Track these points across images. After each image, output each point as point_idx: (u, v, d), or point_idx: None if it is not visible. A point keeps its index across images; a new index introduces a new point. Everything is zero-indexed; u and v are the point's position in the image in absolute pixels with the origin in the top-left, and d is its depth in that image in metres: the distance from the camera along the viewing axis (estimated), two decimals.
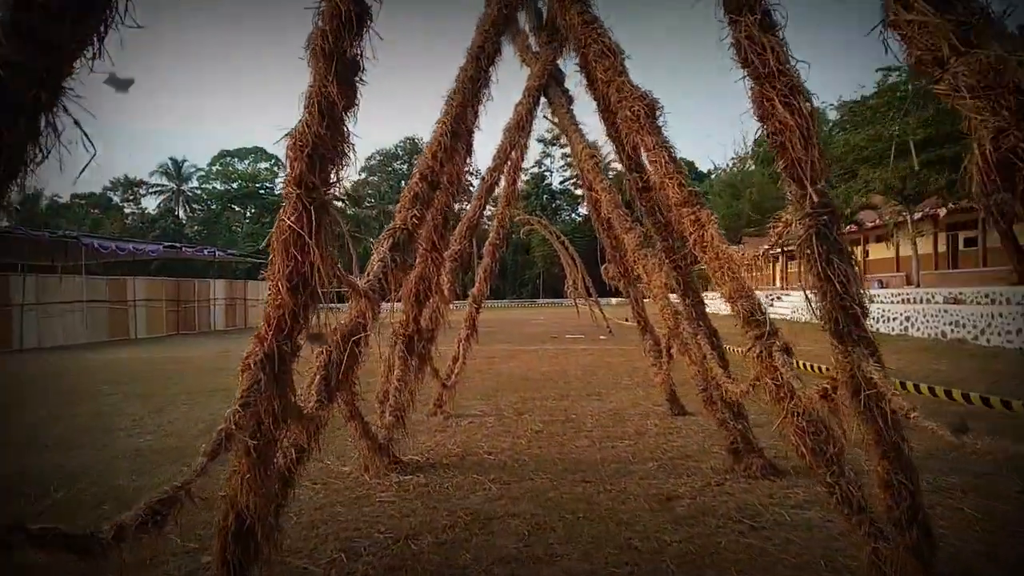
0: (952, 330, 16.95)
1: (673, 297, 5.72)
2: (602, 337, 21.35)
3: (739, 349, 4.14)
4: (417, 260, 5.09)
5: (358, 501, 4.83)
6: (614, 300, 52.47)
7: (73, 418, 8.37)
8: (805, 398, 3.10)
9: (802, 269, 2.80)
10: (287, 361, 2.75)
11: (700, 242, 3.64)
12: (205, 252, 35.68)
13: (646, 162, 4.97)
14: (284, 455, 3.36)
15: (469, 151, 4.96)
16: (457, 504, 4.74)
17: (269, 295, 2.73)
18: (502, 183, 7.38)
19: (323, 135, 2.50)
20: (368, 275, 3.44)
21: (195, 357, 17.97)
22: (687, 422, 7.50)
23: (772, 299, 32.98)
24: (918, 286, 22.50)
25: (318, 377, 3.34)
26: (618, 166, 6.68)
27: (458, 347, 7.89)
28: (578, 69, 5.61)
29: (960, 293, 18.00)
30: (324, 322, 2.95)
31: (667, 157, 3.92)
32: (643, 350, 8.07)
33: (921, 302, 19.20)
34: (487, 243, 7.81)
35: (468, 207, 6.63)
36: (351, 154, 2.68)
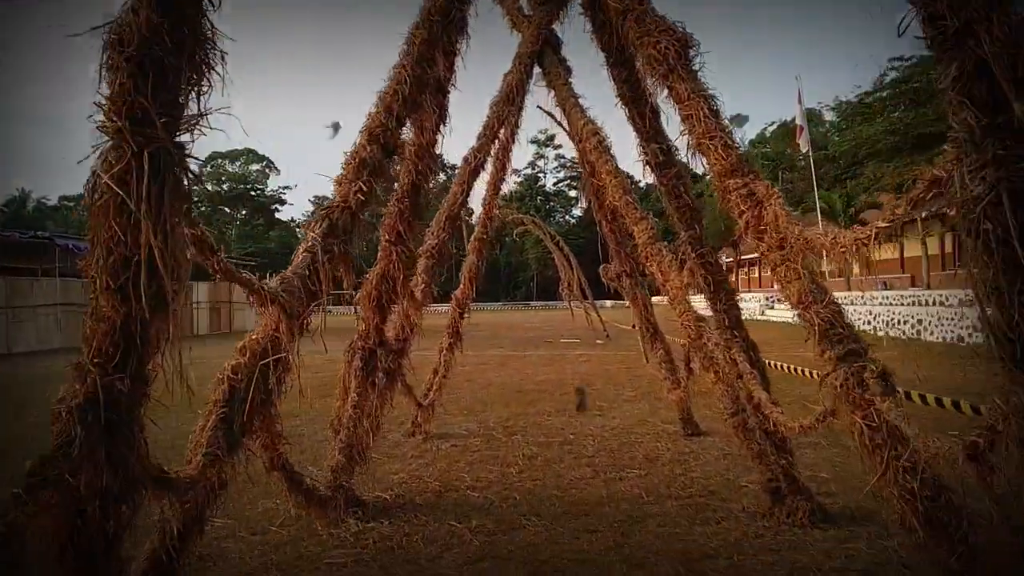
0: (971, 334, 16.00)
1: (695, 299, 4.70)
2: (599, 342, 20.32)
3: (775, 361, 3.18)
4: (379, 255, 4.06)
5: (299, 563, 3.77)
6: (609, 303, 51.70)
7: None
8: (924, 450, 2.09)
9: (971, 255, 1.77)
10: (125, 405, 1.71)
11: (756, 224, 2.62)
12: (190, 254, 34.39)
13: (671, 124, 3.99)
14: (163, 533, 2.32)
15: (443, 115, 3.95)
16: (426, 569, 3.70)
17: (90, 300, 1.71)
18: (489, 168, 6.37)
19: (159, 25, 1.48)
20: (287, 273, 2.43)
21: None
22: (703, 445, 6.48)
23: (772, 301, 32.06)
24: (928, 287, 21.57)
25: (212, 418, 2.30)
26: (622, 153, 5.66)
27: (439, 358, 6.82)
28: (582, 11, 4.59)
29: None
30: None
31: (706, 110, 2.90)
32: (653, 361, 7.03)
33: (934, 304, 18.25)
34: (472, 238, 6.78)
35: (449, 194, 5.61)
36: (218, 68, 1.67)
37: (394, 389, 4.90)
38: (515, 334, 25.61)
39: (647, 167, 4.53)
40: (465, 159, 5.53)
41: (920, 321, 18.07)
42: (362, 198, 2.84)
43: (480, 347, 19.34)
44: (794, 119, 25.19)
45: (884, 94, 20.76)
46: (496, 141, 5.80)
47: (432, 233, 5.28)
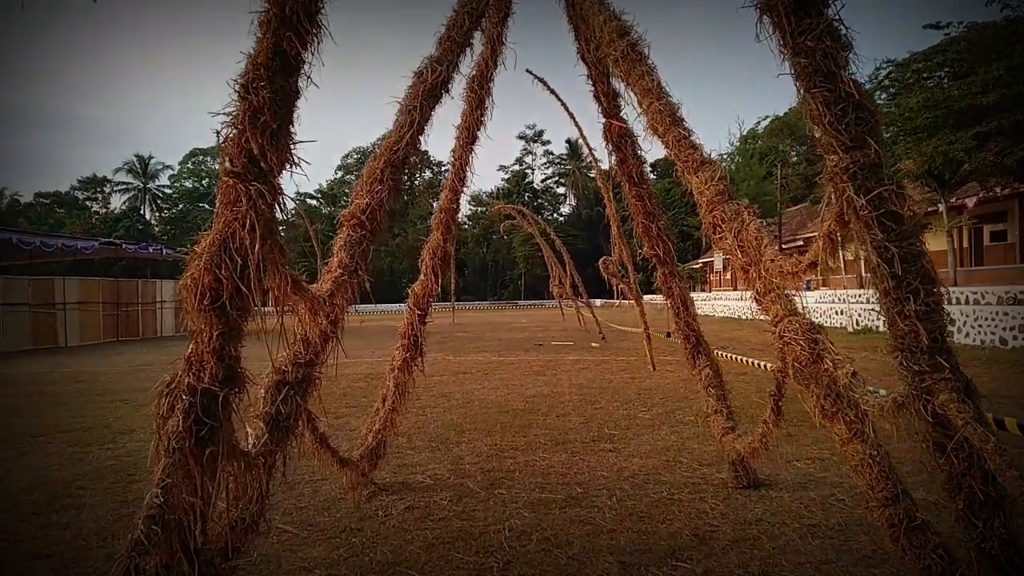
0: (1016, 336, 14.19)
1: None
2: (594, 345, 18.33)
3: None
4: (217, 206, 2.05)
5: None
6: (599, 301, 49.88)
7: None
8: None
9: None
10: None
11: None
12: (150, 249, 31.97)
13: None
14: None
15: None
16: None
17: None
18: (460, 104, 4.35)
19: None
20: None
21: (105, 372, 14.70)
22: (770, 507, 4.49)
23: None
24: (955, 284, 19.76)
25: None
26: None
27: (388, 382, 4.71)
28: None
29: (1022, 292, 15.24)
30: None
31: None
32: (699, 388, 4.97)
33: (968, 303, 16.41)
34: (437, 207, 4.73)
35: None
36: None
37: (284, 445, 2.85)
38: (502, 335, 23.55)
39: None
40: (418, 73, 3.50)
41: (952, 321, 16.23)
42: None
43: (462, 351, 17.32)
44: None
45: (919, 65, 18.84)
46: (466, 53, 3.77)
47: (361, 188, 3.24)
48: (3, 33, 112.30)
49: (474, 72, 4.32)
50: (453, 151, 4.56)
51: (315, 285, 2.62)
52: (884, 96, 22.36)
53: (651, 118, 3.23)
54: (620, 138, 4.57)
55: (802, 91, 2.04)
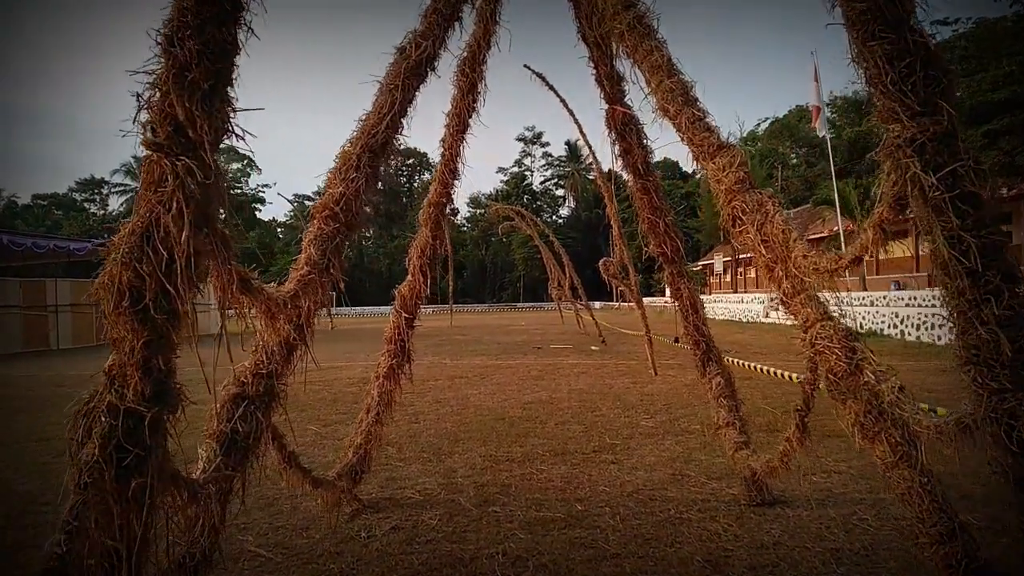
0: None
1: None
2: (594, 348, 17.96)
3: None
4: (141, 184, 1.69)
5: None
6: (598, 304, 49.47)
7: None
8: None
9: None
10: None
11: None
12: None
13: None
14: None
15: None
16: None
17: None
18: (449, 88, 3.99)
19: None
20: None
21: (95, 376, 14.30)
22: (786, 526, 4.12)
23: (776, 303, 29.87)
24: None
25: None
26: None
27: (373, 391, 4.32)
28: None
29: None
30: None
31: None
32: (710, 398, 4.59)
33: None
34: (425, 203, 4.35)
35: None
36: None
37: (243, 467, 2.49)
38: (500, 338, 23.18)
39: None
40: (400, 49, 3.14)
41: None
42: None
43: (460, 354, 16.95)
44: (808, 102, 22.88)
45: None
46: (454, 27, 3.41)
47: (335, 176, 2.88)
48: (2, 34, 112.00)
49: (465, 54, 3.95)
50: (443, 140, 4.20)
51: (275, 285, 2.24)
52: None
53: (661, 97, 2.88)
54: (624, 126, 4.21)
55: (855, 44, 1.68)
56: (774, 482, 4.72)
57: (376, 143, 2.91)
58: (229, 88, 1.64)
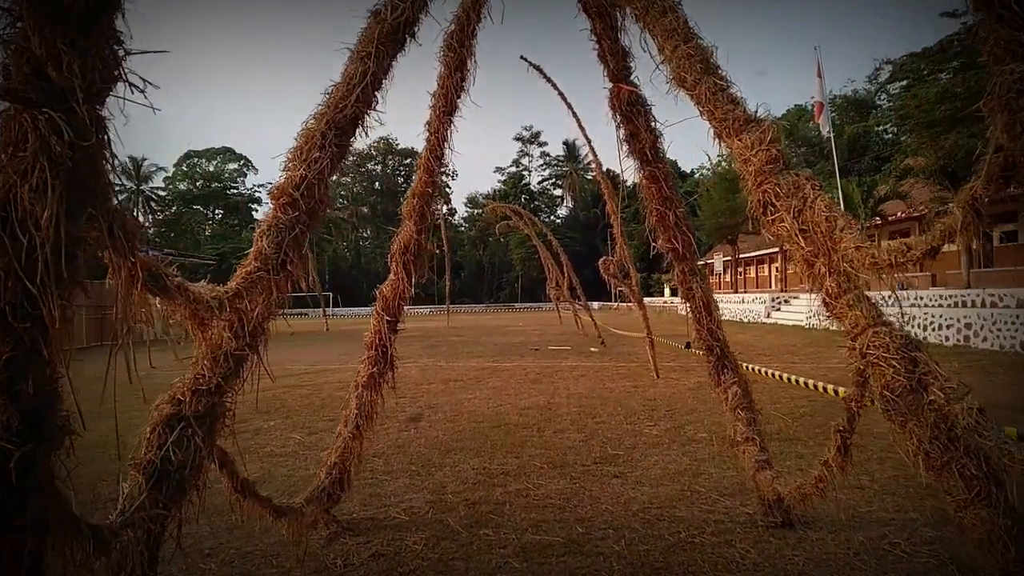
0: None
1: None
2: (593, 349, 17.54)
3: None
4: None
5: None
6: (596, 304, 49.02)
7: None
8: None
9: None
10: None
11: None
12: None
13: None
14: None
15: None
16: None
17: None
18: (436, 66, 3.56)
19: None
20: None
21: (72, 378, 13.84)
22: (811, 552, 3.70)
23: (779, 303, 29.54)
24: (968, 286, 19.02)
25: None
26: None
27: (352, 403, 3.88)
28: None
29: None
30: None
31: None
32: (726, 409, 4.16)
33: (984, 306, 15.67)
34: (408, 194, 3.93)
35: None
36: None
37: (189, 490, 2.08)
38: (497, 339, 22.77)
39: None
40: (375, 12, 2.72)
41: (968, 325, 15.49)
42: None
43: (456, 356, 16.54)
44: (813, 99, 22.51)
45: (932, 57, 18.05)
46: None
47: (295, 157, 2.46)
48: None
49: (453, 26, 3.54)
50: (428, 124, 3.77)
51: (207, 283, 1.82)
52: (885, 97, 21.73)
53: (676, 66, 2.46)
54: (630, 106, 3.80)
55: None
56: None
57: (344, 118, 2.50)
58: (115, 18, 1.22)
